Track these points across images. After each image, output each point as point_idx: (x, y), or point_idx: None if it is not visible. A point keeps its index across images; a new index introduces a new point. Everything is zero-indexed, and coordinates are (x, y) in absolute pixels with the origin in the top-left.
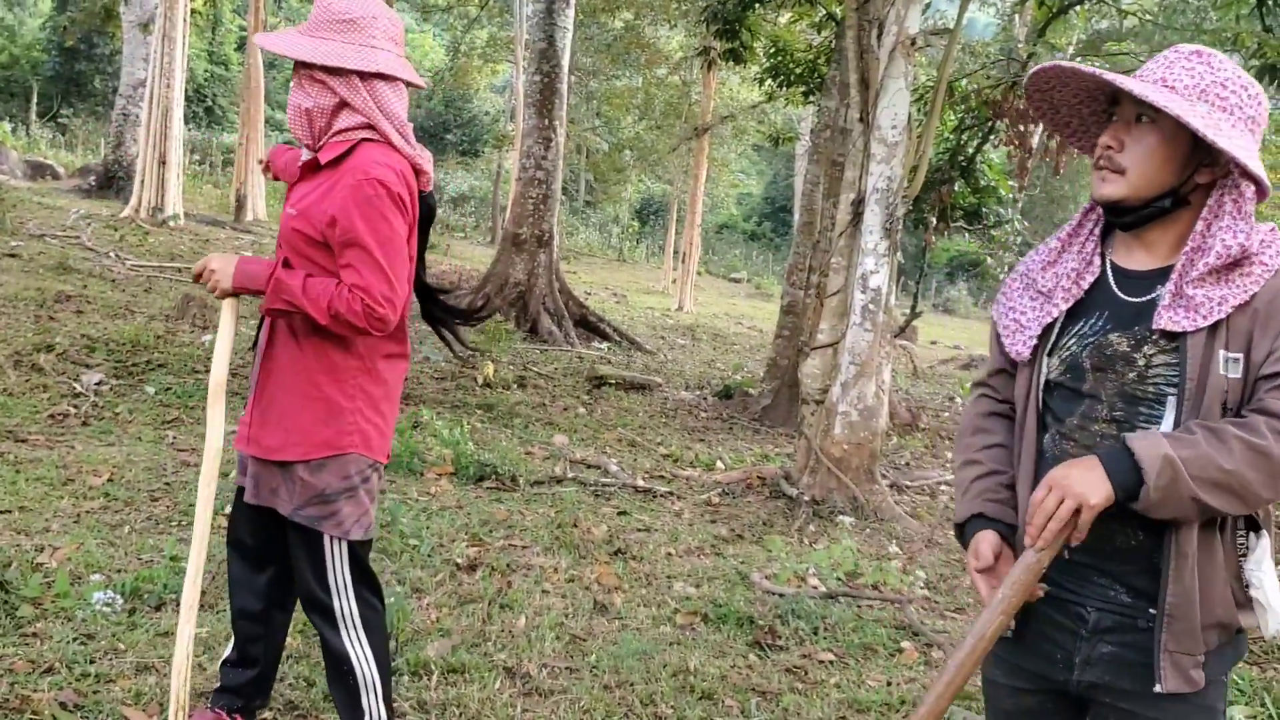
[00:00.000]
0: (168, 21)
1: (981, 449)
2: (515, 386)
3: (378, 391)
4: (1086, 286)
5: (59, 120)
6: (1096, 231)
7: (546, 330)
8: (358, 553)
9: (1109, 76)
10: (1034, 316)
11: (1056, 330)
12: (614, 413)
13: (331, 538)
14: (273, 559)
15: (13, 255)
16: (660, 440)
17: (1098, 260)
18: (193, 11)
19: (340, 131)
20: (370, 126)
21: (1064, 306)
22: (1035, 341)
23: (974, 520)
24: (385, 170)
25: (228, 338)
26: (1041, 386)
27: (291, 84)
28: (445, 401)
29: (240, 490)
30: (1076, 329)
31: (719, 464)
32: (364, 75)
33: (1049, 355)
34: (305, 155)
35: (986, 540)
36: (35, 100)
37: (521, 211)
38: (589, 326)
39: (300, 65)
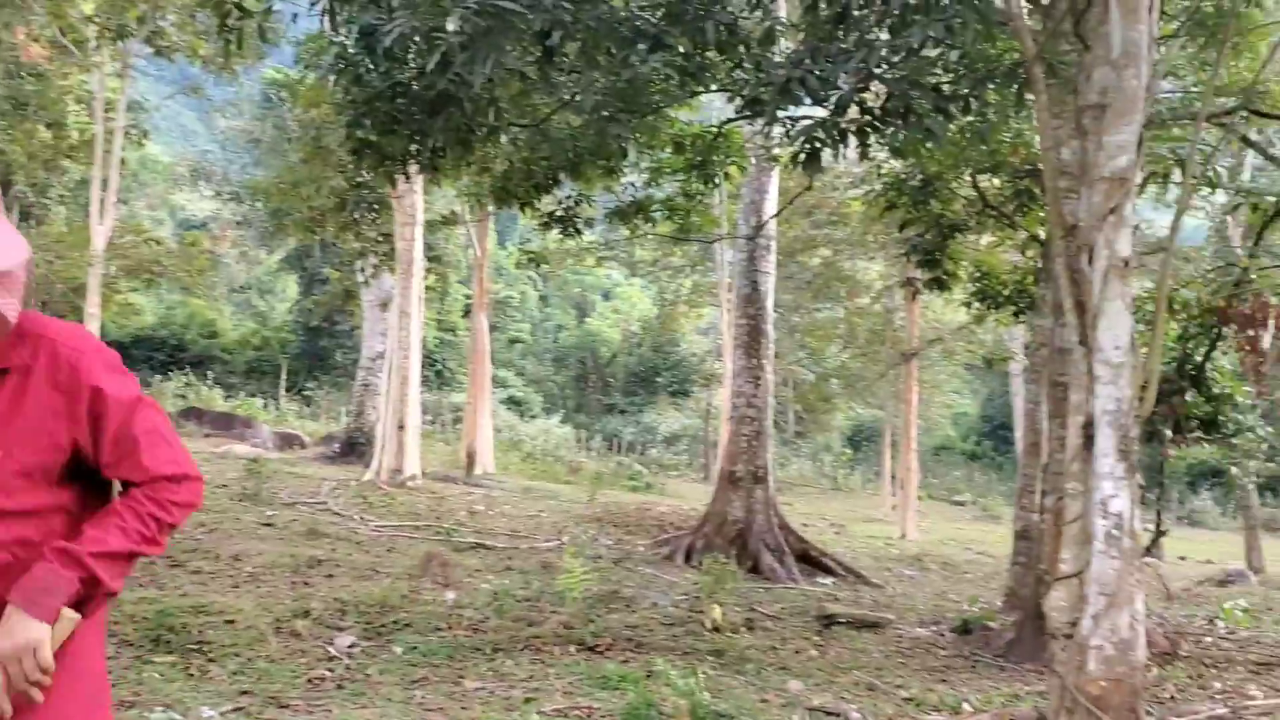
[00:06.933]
0: (404, 299)
1: None
2: (744, 629)
3: None
4: None
5: (304, 392)
6: None
7: (768, 567)
8: None
9: None
10: None
11: None
12: (848, 654)
13: None
14: None
15: (269, 524)
16: (900, 682)
17: None
18: (426, 288)
19: None
20: None
21: None
22: None
23: None
24: None
25: None
26: None
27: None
28: (675, 648)
29: None
30: None
31: (965, 706)
32: None
33: None
34: None
35: None
36: (284, 376)
37: (735, 449)
38: (811, 561)
39: None
